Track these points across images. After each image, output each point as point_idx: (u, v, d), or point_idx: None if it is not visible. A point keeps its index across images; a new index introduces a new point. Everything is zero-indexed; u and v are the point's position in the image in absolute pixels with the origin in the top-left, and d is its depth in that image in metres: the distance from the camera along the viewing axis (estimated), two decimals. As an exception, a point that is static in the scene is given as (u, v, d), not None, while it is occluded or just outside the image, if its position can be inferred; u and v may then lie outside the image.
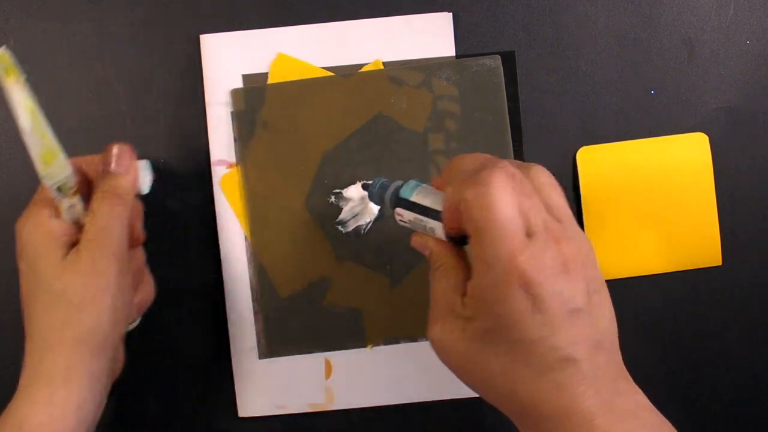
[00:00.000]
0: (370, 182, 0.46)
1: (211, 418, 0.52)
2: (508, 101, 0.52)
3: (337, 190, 0.51)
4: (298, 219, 0.51)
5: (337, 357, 0.52)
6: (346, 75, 0.51)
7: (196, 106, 0.51)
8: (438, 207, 0.38)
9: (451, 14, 0.51)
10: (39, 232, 0.39)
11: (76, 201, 0.40)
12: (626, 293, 0.53)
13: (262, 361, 0.52)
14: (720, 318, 0.53)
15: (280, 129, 0.51)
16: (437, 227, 0.38)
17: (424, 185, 0.40)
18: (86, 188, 0.42)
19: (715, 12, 0.52)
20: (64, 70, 0.51)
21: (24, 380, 0.38)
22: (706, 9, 0.52)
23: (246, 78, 0.51)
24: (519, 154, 0.52)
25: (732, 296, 0.53)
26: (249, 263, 0.51)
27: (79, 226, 0.40)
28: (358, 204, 0.51)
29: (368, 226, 0.51)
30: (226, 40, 0.51)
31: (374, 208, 0.50)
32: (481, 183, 0.33)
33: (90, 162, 0.42)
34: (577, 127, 0.52)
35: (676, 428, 0.37)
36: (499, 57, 0.51)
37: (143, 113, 0.52)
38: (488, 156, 0.37)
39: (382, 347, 0.52)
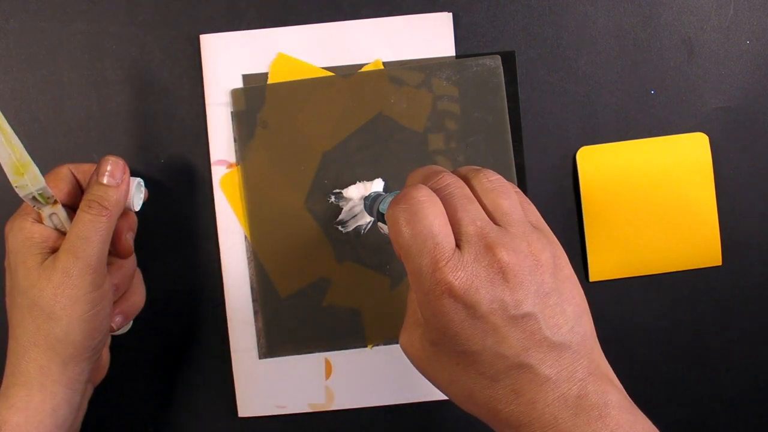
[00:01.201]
0: (352, 198, 0.49)
1: (211, 418, 0.52)
2: (508, 101, 0.52)
3: (337, 190, 0.51)
4: (298, 219, 0.51)
5: (337, 357, 0.52)
6: (346, 75, 0.51)
7: (196, 106, 0.51)
8: None
9: (451, 14, 0.51)
10: (20, 237, 0.39)
11: (58, 209, 0.40)
12: (626, 293, 0.53)
13: (262, 361, 0.52)
14: (720, 318, 0.53)
15: (280, 129, 0.51)
16: None
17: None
18: (77, 197, 0.42)
19: (715, 12, 0.52)
20: (64, 70, 0.51)
21: (5, 381, 0.39)
22: (706, 9, 0.52)
23: (246, 78, 0.51)
24: (519, 154, 0.52)
25: (732, 296, 0.53)
26: (249, 263, 0.51)
27: (62, 234, 0.40)
28: (358, 204, 0.50)
29: (368, 226, 0.51)
30: (226, 40, 0.51)
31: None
32: (400, 201, 0.33)
33: (84, 171, 0.43)
34: (577, 127, 0.52)
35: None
36: (499, 57, 0.51)
37: (143, 113, 0.52)
38: (432, 169, 0.36)
39: (382, 347, 0.52)
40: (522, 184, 0.52)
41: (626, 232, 0.52)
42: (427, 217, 0.32)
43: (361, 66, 0.51)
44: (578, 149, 0.52)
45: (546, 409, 0.30)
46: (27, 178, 0.38)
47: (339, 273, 0.52)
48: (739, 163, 0.53)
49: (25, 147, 0.52)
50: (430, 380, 0.35)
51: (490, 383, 0.31)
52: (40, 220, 0.40)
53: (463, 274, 0.31)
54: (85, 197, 0.40)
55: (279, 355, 0.52)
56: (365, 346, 0.52)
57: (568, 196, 0.52)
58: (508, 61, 0.52)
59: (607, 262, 0.52)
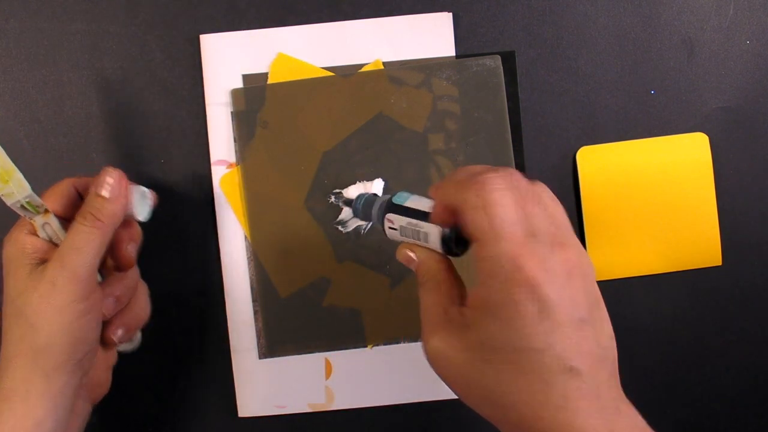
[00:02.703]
0: (352, 198, 0.47)
1: (211, 418, 0.52)
2: (508, 101, 0.52)
3: (337, 190, 0.51)
4: (298, 219, 0.51)
5: (337, 357, 0.52)
6: (346, 75, 0.51)
7: (196, 106, 0.51)
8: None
9: (451, 14, 0.51)
10: (13, 248, 0.39)
11: (50, 219, 0.39)
12: (626, 293, 0.53)
13: (262, 361, 0.52)
14: (720, 318, 0.53)
15: (280, 129, 0.51)
16: (433, 231, 0.36)
17: (415, 195, 0.39)
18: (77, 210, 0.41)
19: (715, 12, 0.52)
20: (64, 70, 0.51)
21: None
22: (706, 9, 0.52)
23: (246, 78, 0.51)
24: (519, 154, 0.52)
25: (732, 296, 0.53)
26: (249, 263, 0.51)
27: (55, 245, 0.39)
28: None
29: (368, 226, 0.51)
30: (226, 40, 0.51)
31: (374, 208, 0.50)
32: (481, 183, 0.32)
33: (86, 184, 0.42)
34: (577, 127, 0.52)
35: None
36: (499, 57, 0.51)
37: (143, 113, 0.52)
38: (490, 166, 0.36)
39: (382, 347, 0.52)
40: (522, 184, 0.52)
41: (626, 232, 0.52)
42: (509, 204, 0.31)
43: (361, 66, 0.51)
44: (578, 149, 0.52)
45: (588, 421, 0.30)
46: (12, 186, 0.38)
47: (339, 273, 0.52)
48: (739, 163, 0.53)
49: (25, 146, 0.52)
50: (460, 388, 0.33)
51: (541, 387, 0.30)
52: (34, 231, 0.39)
53: (542, 265, 0.30)
54: (82, 210, 0.39)
55: (279, 355, 0.52)
56: (365, 346, 0.52)
57: (568, 196, 0.52)
58: (508, 61, 0.52)
59: (607, 262, 0.52)
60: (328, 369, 0.52)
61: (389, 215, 0.39)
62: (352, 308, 0.52)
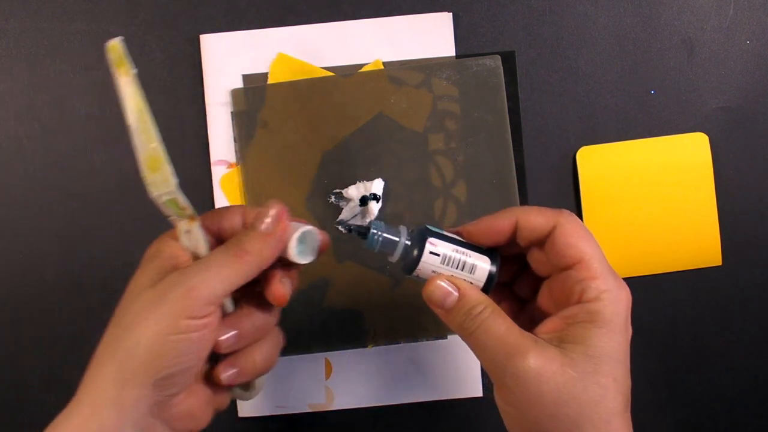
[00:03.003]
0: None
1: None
2: (508, 101, 0.52)
3: (337, 190, 0.51)
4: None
5: (337, 357, 0.52)
6: (346, 75, 0.51)
7: (196, 106, 0.51)
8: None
9: (451, 14, 0.51)
10: (154, 246, 0.37)
11: (194, 228, 0.36)
12: (626, 293, 0.53)
13: (262, 361, 0.52)
14: (720, 318, 0.53)
15: (280, 129, 0.51)
16: (481, 262, 0.35)
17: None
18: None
19: (715, 12, 0.52)
20: (64, 70, 0.51)
21: (77, 391, 0.35)
22: (706, 9, 0.52)
23: (246, 78, 0.51)
24: (519, 154, 0.52)
25: (732, 296, 0.53)
26: (249, 263, 0.51)
27: (194, 255, 0.36)
28: (358, 204, 0.50)
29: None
30: (226, 40, 0.51)
31: (374, 208, 0.50)
32: (575, 216, 0.36)
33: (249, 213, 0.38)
34: (577, 127, 0.52)
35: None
36: (499, 57, 0.51)
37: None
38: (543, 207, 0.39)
39: (382, 347, 0.52)
40: (522, 184, 0.52)
41: (626, 232, 0.52)
42: (587, 230, 0.37)
43: (361, 66, 0.51)
44: (578, 149, 0.52)
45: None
46: (158, 177, 0.35)
47: (339, 273, 0.52)
48: (739, 163, 0.53)
49: (25, 146, 0.52)
50: (551, 407, 0.33)
51: (624, 399, 0.35)
52: (176, 237, 0.36)
53: (626, 291, 0.37)
54: (234, 237, 0.36)
55: (279, 356, 0.52)
56: (365, 346, 0.52)
57: (568, 196, 0.52)
58: (508, 61, 0.52)
59: (607, 262, 0.52)
60: (328, 369, 0.52)
61: (433, 239, 0.35)
62: (352, 308, 0.52)
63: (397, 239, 0.36)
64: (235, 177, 0.51)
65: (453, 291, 0.35)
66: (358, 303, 0.52)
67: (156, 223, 0.51)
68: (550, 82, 0.52)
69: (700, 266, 0.53)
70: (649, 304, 0.53)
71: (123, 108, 0.35)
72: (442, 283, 0.35)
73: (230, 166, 0.51)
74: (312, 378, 0.52)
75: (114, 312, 0.35)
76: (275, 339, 0.40)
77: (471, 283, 0.36)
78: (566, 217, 0.36)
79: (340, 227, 0.51)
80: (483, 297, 0.35)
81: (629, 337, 0.35)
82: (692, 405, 0.53)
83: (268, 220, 0.36)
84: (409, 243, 0.36)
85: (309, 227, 0.37)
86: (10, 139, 0.51)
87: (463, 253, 0.35)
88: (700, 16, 0.52)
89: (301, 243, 0.37)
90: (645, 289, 0.53)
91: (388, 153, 0.51)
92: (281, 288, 0.37)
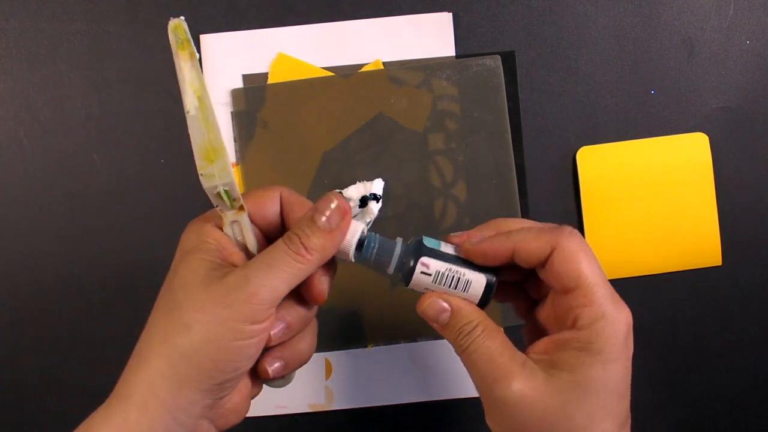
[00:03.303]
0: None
1: (211, 418, 0.52)
2: (508, 101, 0.52)
3: (337, 190, 0.51)
4: (298, 219, 0.51)
5: (337, 357, 0.52)
6: (346, 75, 0.51)
7: (196, 106, 0.51)
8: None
9: (451, 14, 0.51)
10: (195, 238, 0.34)
11: (242, 218, 0.34)
12: (626, 293, 0.52)
13: (262, 361, 0.52)
14: (720, 318, 0.53)
15: (280, 129, 0.51)
16: (476, 279, 0.34)
17: (440, 241, 0.36)
18: (275, 224, 0.37)
19: (715, 12, 0.52)
20: (64, 70, 0.51)
21: (116, 386, 0.33)
22: (706, 9, 0.52)
23: (246, 78, 0.51)
24: (519, 154, 0.52)
25: (732, 296, 0.53)
26: (249, 263, 0.51)
27: (241, 247, 0.35)
28: (358, 204, 0.50)
29: (368, 227, 0.51)
30: (226, 40, 0.51)
31: (374, 208, 0.50)
32: (576, 236, 0.34)
33: (293, 202, 0.37)
34: (577, 127, 0.52)
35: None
36: (499, 57, 0.51)
37: (143, 113, 0.52)
38: (541, 223, 0.37)
39: (382, 347, 0.52)
40: (522, 184, 0.52)
41: (626, 232, 0.52)
42: (589, 252, 0.35)
43: (361, 66, 0.51)
44: (578, 149, 0.52)
45: None
46: (215, 168, 0.33)
47: (339, 273, 0.51)
48: (739, 163, 0.53)
49: (25, 146, 0.52)
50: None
51: (620, 429, 0.34)
52: (220, 227, 0.35)
53: (626, 314, 0.36)
54: (292, 228, 0.34)
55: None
56: (365, 346, 0.52)
57: (568, 196, 0.52)
58: (508, 61, 0.52)
59: (607, 262, 0.52)
60: (328, 369, 0.52)
61: (425, 259, 0.34)
62: (352, 308, 0.52)
63: (392, 252, 0.35)
64: (235, 177, 0.51)
65: (446, 307, 0.35)
66: (358, 303, 0.52)
67: (156, 224, 0.52)
68: (550, 82, 0.52)
69: (700, 266, 0.53)
70: (649, 304, 0.53)
71: (183, 93, 0.32)
72: (435, 300, 0.35)
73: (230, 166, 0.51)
74: (312, 378, 0.52)
75: (157, 305, 0.34)
76: (314, 328, 0.39)
77: (467, 297, 0.35)
78: (567, 238, 0.34)
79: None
80: (476, 314, 0.34)
81: (628, 360, 0.35)
82: (692, 405, 0.53)
83: (329, 214, 0.34)
84: (403, 257, 0.35)
85: (363, 225, 0.36)
86: (10, 139, 0.51)
87: (457, 271, 0.35)
88: (700, 16, 0.52)
89: (355, 241, 0.35)
90: (645, 289, 0.53)
91: (388, 153, 0.51)
92: (320, 286, 0.36)
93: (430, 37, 0.51)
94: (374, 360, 0.52)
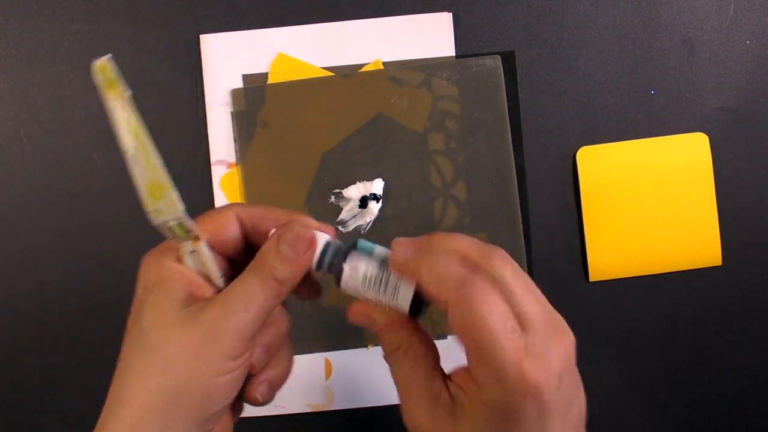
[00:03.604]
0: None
1: (211, 418, 0.52)
2: (508, 101, 0.52)
3: (337, 190, 0.51)
4: (298, 219, 0.51)
5: (337, 357, 0.52)
6: (346, 75, 0.51)
7: (196, 106, 0.51)
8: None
9: (451, 14, 0.51)
10: (157, 275, 0.33)
11: (200, 248, 0.33)
12: (626, 293, 0.53)
13: (262, 361, 0.52)
14: (720, 318, 0.53)
15: (280, 129, 0.51)
16: (405, 288, 0.32)
17: (378, 246, 0.34)
18: (240, 247, 0.36)
19: (715, 12, 0.52)
20: (64, 70, 0.51)
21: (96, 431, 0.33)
22: (706, 9, 0.52)
23: (246, 78, 0.51)
24: (519, 154, 0.52)
25: (732, 296, 0.53)
26: (249, 263, 0.51)
27: (205, 277, 0.34)
28: (357, 204, 0.51)
29: (368, 226, 0.51)
30: (226, 40, 0.51)
31: (374, 208, 0.50)
32: (470, 287, 0.30)
33: (254, 215, 0.35)
34: (577, 127, 0.52)
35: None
36: (499, 57, 0.51)
37: (143, 113, 0.51)
38: (477, 246, 0.32)
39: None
40: (522, 184, 0.52)
41: (626, 232, 0.52)
42: (497, 299, 0.29)
43: (361, 66, 0.51)
44: (578, 149, 0.52)
45: None
46: (163, 203, 0.32)
47: (339, 273, 0.51)
48: (739, 163, 0.53)
49: (25, 146, 0.52)
50: None
51: None
52: (180, 259, 0.34)
53: (544, 368, 0.29)
54: (257, 258, 0.33)
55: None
56: (365, 346, 0.52)
57: (568, 196, 0.52)
58: (508, 61, 0.52)
59: (607, 262, 0.52)
60: (328, 369, 0.52)
61: (353, 262, 0.33)
62: (352, 308, 0.52)
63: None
64: (235, 177, 0.51)
65: (370, 322, 0.34)
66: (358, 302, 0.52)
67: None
68: (550, 82, 0.52)
69: (700, 266, 0.53)
70: (649, 304, 0.53)
71: (117, 134, 0.32)
72: (360, 310, 0.34)
73: (230, 166, 0.51)
74: (312, 378, 0.52)
75: (127, 347, 0.33)
76: (291, 342, 0.38)
77: (396, 306, 0.33)
78: (473, 290, 0.30)
79: (340, 227, 0.51)
80: (401, 332, 0.33)
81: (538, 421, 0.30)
82: (692, 405, 0.53)
83: (295, 243, 0.33)
84: (333, 259, 0.34)
85: (331, 239, 0.34)
86: (10, 139, 0.51)
87: (386, 276, 0.33)
88: (700, 16, 0.52)
89: (324, 253, 0.34)
90: (645, 289, 0.53)
91: (388, 153, 0.51)
92: (314, 284, 0.36)
93: (430, 37, 0.51)
94: (374, 360, 0.52)
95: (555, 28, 0.52)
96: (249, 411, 0.52)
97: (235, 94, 0.51)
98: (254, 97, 0.51)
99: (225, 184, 0.51)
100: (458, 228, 0.51)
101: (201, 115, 0.51)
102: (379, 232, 0.51)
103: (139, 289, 0.34)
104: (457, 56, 0.52)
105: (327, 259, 0.34)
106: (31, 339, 0.52)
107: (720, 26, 0.52)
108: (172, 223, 0.32)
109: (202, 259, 0.33)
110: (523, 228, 0.52)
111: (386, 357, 0.34)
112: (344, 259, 0.33)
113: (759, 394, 0.53)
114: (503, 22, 0.52)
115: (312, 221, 0.34)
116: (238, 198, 0.51)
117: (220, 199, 0.51)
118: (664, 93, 0.52)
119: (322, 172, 0.51)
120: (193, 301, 0.32)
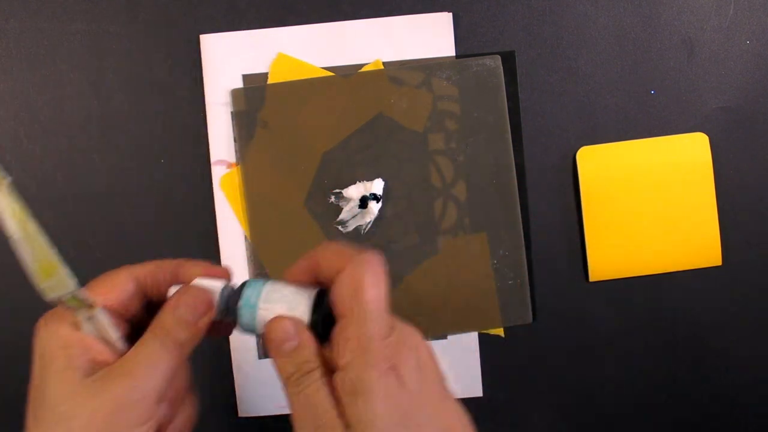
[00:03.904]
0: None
1: (211, 418, 0.52)
2: (508, 101, 0.52)
3: (337, 190, 0.51)
4: (298, 219, 0.51)
5: (337, 357, 0.52)
6: (346, 75, 0.51)
7: (196, 106, 0.51)
8: (299, 297, 0.33)
9: (451, 14, 0.51)
10: (55, 344, 0.33)
11: (97, 313, 0.34)
12: (626, 293, 0.53)
13: (262, 361, 0.52)
14: (720, 318, 0.53)
15: (280, 129, 0.51)
16: (303, 297, 0.34)
17: (270, 281, 0.35)
18: (136, 306, 0.36)
19: (715, 12, 0.52)
20: (64, 70, 0.51)
21: None
22: (706, 9, 0.52)
23: (246, 78, 0.51)
24: (519, 154, 0.52)
25: (732, 296, 0.53)
26: (249, 263, 0.51)
27: (105, 342, 0.34)
28: (357, 204, 0.50)
29: (368, 226, 0.51)
30: (226, 40, 0.51)
31: (374, 208, 0.50)
32: (370, 263, 0.32)
33: (146, 273, 0.36)
34: (577, 127, 0.52)
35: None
36: (499, 57, 0.51)
37: (143, 113, 0.52)
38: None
39: (382, 347, 0.52)
40: (522, 184, 0.52)
41: (626, 232, 0.52)
42: (382, 292, 0.32)
43: (361, 66, 0.51)
44: (578, 149, 0.52)
45: None
46: (54, 281, 0.33)
47: (339, 273, 0.51)
48: (739, 163, 0.53)
49: (25, 147, 0.52)
50: None
51: None
52: (77, 325, 0.34)
53: (401, 356, 0.32)
54: (156, 321, 0.34)
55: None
56: (365, 346, 0.52)
57: (568, 196, 0.52)
58: (508, 61, 0.52)
59: (607, 262, 0.52)
60: (328, 369, 0.52)
61: (252, 282, 0.34)
62: (352, 308, 0.52)
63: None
64: (235, 177, 0.51)
65: (294, 336, 0.33)
66: (358, 303, 0.52)
67: (156, 224, 0.52)
68: (550, 82, 0.52)
69: (700, 266, 0.53)
70: (649, 304, 0.53)
71: (1, 220, 0.32)
72: (284, 321, 0.33)
73: (230, 166, 0.51)
74: (312, 378, 0.52)
75: (31, 420, 0.34)
76: (192, 395, 0.38)
77: (301, 315, 0.34)
78: (358, 261, 0.32)
79: (340, 227, 0.51)
80: (313, 351, 0.33)
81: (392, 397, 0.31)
82: (692, 405, 0.53)
83: (193, 307, 0.34)
84: (228, 302, 0.34)
85: (226, 283, 0.35)
86: (10, 139, 0.51)
87: (284, 289, 0.34)
88: (700, 16, 0.52)
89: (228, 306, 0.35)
90: (645, 289, 0.53)
91: (388, 153, 0.51)
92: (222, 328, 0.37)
93: (430, 37, 0.51)
94: (374, 360, 0.52)
95: (555, 28, 0.52)
96: (249, 411, 0.52)
97: (235, 94, 0.51)
98: (254, 97, 0.51)
99: (225, 184, 0.51)
100: (458, 228, 0.51)
101: (201, 115, 0.51)
102: (379, 232, 0.51)
103: (38, 359, 0.34)
104: (457, 56, 0.52)
105: (223, 306, 0.34)
106: (31, 339, 0.52)
107: (720, 26, 0.52)
108: (65, 297, 0.33)
109: (99, 324, 0.34)
110: (523, 228, 0.52)
111: (299, 378, 0.34)
112: (239, 297, 0.34)
113: (759, 394, 0.53)
114: (503, 22, 0.52)
115: (203, 268, 0.35)
116: (238, 199, 0.51)
117: (220, 199, 0.51)
118: (664, 93, 0.52)
119: (322, 172, 0.51)
120: (97, 368, 0.33)
